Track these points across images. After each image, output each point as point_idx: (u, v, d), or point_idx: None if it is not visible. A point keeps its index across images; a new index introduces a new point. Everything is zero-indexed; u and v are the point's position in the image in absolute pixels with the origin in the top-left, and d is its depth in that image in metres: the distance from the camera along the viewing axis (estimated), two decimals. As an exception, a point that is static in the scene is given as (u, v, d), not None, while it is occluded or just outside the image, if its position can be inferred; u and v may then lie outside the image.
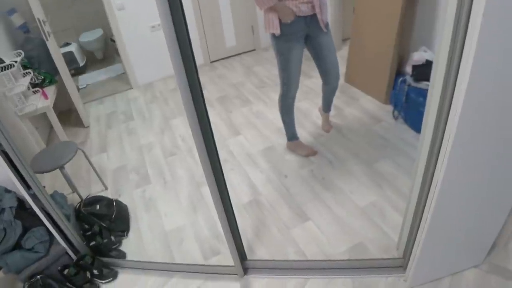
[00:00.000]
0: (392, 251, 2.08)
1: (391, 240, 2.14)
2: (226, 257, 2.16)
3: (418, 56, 2.97)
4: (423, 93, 2.81)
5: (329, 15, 2.46)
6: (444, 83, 1.29)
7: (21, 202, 2.11)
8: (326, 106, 3.04)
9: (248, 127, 3.41)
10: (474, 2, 1.07)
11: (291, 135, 2.90)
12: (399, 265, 1.95)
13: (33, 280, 2.02)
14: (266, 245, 2.25)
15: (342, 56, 4.05)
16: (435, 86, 1.35)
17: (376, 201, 2.41)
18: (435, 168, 1.48)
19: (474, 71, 1.14)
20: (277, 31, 2.35)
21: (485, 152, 1.39)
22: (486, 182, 1.51)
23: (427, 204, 1.59)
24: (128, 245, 2.43)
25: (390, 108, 3.25)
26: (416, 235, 1.75)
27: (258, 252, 2.21)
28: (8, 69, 2.98)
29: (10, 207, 2.02)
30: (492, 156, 1.41)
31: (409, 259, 1.87)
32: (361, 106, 3.40)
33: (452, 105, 1.27)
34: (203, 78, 4.55)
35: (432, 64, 2.83)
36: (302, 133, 3.12)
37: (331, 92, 2.86)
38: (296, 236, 2.27)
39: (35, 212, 2.04)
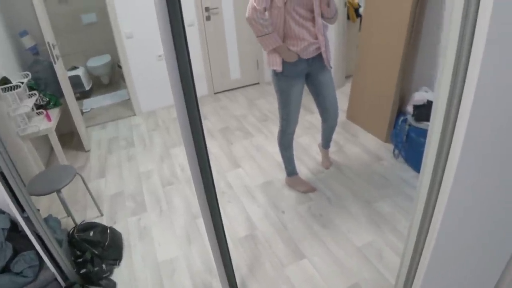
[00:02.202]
0: (389, 294, 2.03)
1: (388, 282, 2.09)
2: (218, 292, 2.11)
3: (419, 96, 3.00)
4: (424, 133, 2.81)
5: (333, 51, 2.51)
6: (443, 124, 1.29)
7: (13, 224, 2.08)
8: (326, 143, 3.05)
9: (248, 160, 3.41)
10: (473, 45, 1.09)
11: (290, 171, 2.89)
12: (396, 310, 1.90)
13: (19, 305, 1.97)
14: (259, 281, 2.20)
15: (344, 93, 4.11)
16: (434, 127, 1.35)
17: (373, 241, 2.37)
18: (433, 211, 1.46)
19: (474, 113, 1.14)
20: (279, 68, 2.39)
21: (485, 195, 1.38)
22: (486, 226, 1.49)
23: (425, 247, 1.56)
24: (119, 275, 2.38)
25: (390, 146, 3.26)
26: (413, 279, 1.71)
27: (251, 288, 2.16)
28: (14, 89, 3.01)
29: (3, 229, 1.99)
30: (493, 200, 1.40)
31: (405, 304, 1.82)
32: (361, 144, 3.41)
33: (452, 147, 1.27)
34: (206, 108, 4.60)
35: (432, 103, 2.86)
36: (302, 169, 3.11)
37: (330, 129, 2.87)
38: (290, 274, 2.22)
39: (27, 235, 2.01)
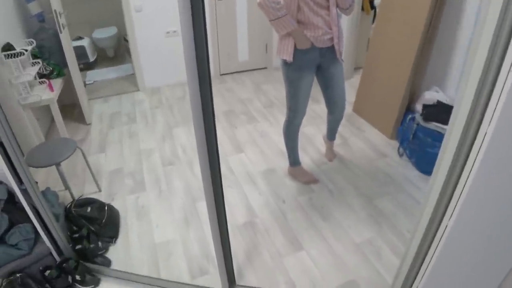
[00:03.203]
0: (385, 293, 2.02)
1: (385, 281, 2.08)
2: (214, 278, 2.09)
3: (430, 96, 2.95)
4: (432, 134, 2.77)
5: (344, 42, 2.44)
6: (464, 128, 1.23)
7: (11, 195, 2.05)
8: (331, 135, 3.00)
9: (251, 146, 3.36)
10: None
11: (294, 161, 2.85)
12: (392, 310, 1.89)
13: (12, 278, 1.95)
14: (256, 270, 2.18)
15: (352, 85, 4.05)
16: (453, 129, 1.29)
17: (373, 238, 2.35)
18: (443, 216, 1.43)
19: (503, 118, 1.09)
20: (289, 58, 2.32)
21: (500, 206, 1.34)
22: (495, 237, 1.45)
23: (429, 253, 1.54)
24: (115, 253, 2.36)
25: (395, 144, 3.21)
26: (413, 282, 1.69)
27: (247, 277, 2.14)
28: (17, 56, 2.94)
29: (-1, 200, 1.96)
30: (507, 211, 1.36)
31: (402, 306, 1.81)
32: (366, 138, 3.36)
33: (471, 153, 1.22)
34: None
35: (442, 104, 2.80)
36: (305, 159, 3.07)
37: (336, 122, 2.83)
38: (288, 265, 2.21)
39: (23, 208, 1.98)
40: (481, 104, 1.14)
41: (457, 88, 2.87)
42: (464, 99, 1.20)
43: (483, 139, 1.15)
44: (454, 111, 1.29)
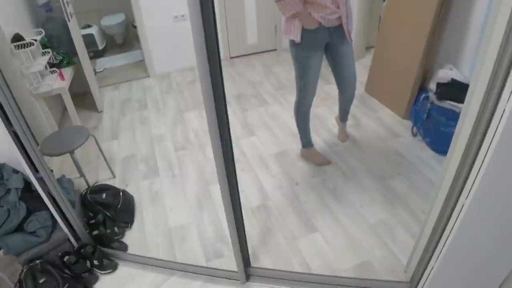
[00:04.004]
0: (399, 273, 2.02)
1: (399, 261, 2.07)
2: (229, 260, 2.12)
3: (443, 74, 2.89)
4: (446, 113, 2.73)
5: (355, 21, 2.37)
6: (481, 106, 1.20)
7: (27, 183, 2.08)
8: (343, 116, 2.97)
9: (263, 129, 3.35)
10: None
11: (306, 142, 2.84)
12: (406, 289, 1.89)
13: (32, 264, 1.99)
14: (270, 252, 2.20)
15: (364, 65, 3.99)
16: (470, 108, 1.27)
17: (386, 219, 2.34)
18: (458, 197, 1.41)
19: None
20: (297, 39, 2.28)
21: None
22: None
23: (444, 233, 1.53)
24: (131, 238, 2.40)
25: (409, 123, 3.17)
26: (428, 262, 1.68)
27: (261, 259, 2.16)
28: (27, 47, 2.95)
29: (16, 189, 1.99)
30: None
31: (417, 286, 1.81)
32: (379, 119, 3.32)
33: (488, 133, 1.20)
34: (221, 74, 4.50)
35: (457, 82, 2.74)
36: (317, 140, 3.05)
37: (348, 101, 2.79)
38: (302, 247, 2.22)
39: (40, 196, 2.01)
40: (498, 81, 1.11)
41: (472, 66, 2.80)
42: (481, 76, 1.18)
43: (501, 117, 1.12)
44: (470, 89, 1.27)
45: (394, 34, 3.25)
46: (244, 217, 1.88)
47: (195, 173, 2.88)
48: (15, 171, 2.06)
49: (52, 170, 2.05)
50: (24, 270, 1.98)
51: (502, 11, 1.05)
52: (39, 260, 2.01)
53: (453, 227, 1.45)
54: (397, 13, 3.19)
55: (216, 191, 2.65)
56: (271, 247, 2.23)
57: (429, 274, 1.68)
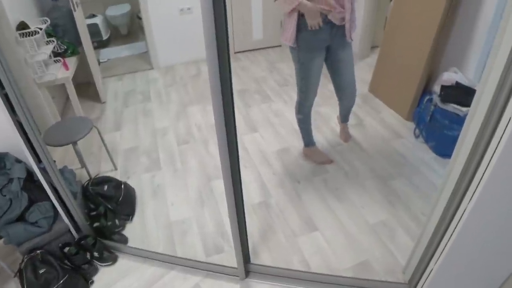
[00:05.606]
0: (398, 274, 2.02)
1: (398, 262, 2.08)
2: (229, 256, 2.13)
3: (448, 77, 2.88)
4: (449, 116, 2.72)
5: (360, 20, 2.34)
6: (488, 111, 1.20)
7: (30, 173, 2.09)
8: (344, 118, 2.96)
9: (266, 125, 3.35)
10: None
11: (308, 141, 2.83)
12: (405, 291, 1.90)
13: (32, 254, 2.00)
14: (270, 249, 2.21)
15: (368, 64, 3.98)
16: (476, 112, 1.26)
17: (387, 219, 2.35)
18: (461, 201, 1.41)
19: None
20: (291, 43, 2.27)
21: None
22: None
23: (445, 236, 1.53)
24: (131, 230, 2.40)
25: (411, 125, 3.17)
26: (427, 265, 1.69)
27: (261, 255, 2.17)
28: (32, 35, 2.94)
29: (19, 178, 1.99)
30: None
31: (415, 287, 1.81)
32: (382, 119, 3.32)
33: (494, 136, 1.19)
34: (225, 68, 4.49)
35: (461, 86, 2.73)
36: (320, 139, 3.05)
37: (347, 108, 2.79)
38: (302, 245, 2.22)
39: (42, 186, 2.01)
40: (506, 87, 1.11)
41: (477, 70, 2.79)
42: (488, 81, 1.18)
43: (507, 124, 1.12)
44: (477, 93, 1.26)
45: (400, 34, 3.24)
46: (245, 214, 1.89)
47: (197, 168, 2.89)
48: (18, 161, 2.06)
49: (54, 161, 2.05)
50: (25, 260, 1.99)
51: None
52: (40, 250, 2.02)
53: (454, 230, 1.45)
54: (403, 14, 3.17)
55: (218, 187, 2.66)
56: (271, 244, 2.24)
57: (427, 276, 1.69)
